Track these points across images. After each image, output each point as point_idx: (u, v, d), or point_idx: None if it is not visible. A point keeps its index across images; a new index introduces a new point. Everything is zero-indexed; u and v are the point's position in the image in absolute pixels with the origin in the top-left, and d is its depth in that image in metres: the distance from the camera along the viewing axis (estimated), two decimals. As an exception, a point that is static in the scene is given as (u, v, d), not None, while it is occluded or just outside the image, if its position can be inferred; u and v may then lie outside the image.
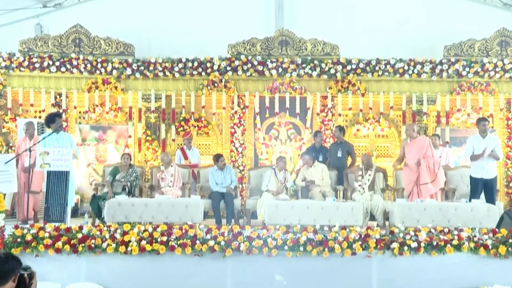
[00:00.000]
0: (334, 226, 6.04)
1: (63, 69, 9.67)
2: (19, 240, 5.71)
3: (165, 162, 8.58)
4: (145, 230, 5.81)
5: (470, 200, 7.53)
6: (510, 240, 5.81)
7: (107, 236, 5.75)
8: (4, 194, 6.80)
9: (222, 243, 5.70)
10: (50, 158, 6.94)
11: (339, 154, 9.05)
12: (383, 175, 8.63)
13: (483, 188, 7.72)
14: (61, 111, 9.52)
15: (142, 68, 9.74)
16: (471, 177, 7.84)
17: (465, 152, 8.09)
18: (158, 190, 8.39)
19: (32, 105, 9.80)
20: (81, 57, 9.68)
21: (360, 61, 9.77)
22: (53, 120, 7.61)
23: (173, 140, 10.02)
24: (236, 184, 8.77)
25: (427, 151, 7.89)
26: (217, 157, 8.72)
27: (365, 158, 8.63)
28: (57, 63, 9.66)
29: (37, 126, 9.09)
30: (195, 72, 9.80)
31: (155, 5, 10.46)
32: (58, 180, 6.99)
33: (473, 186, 7.83)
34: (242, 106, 10.03)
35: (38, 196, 8.14)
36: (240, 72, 9.77)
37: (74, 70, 9.69)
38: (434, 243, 5.72)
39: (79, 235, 5.75)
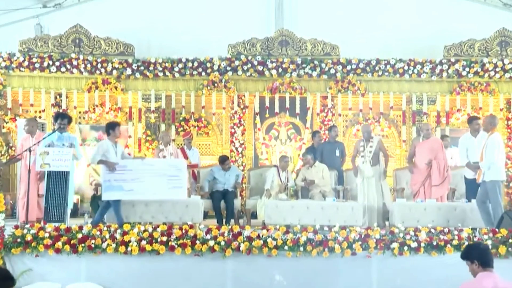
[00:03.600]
0: (334, 226, 6.05)
1: (63, 69, 9.66)
2: (19, 240, 5.72)
3: (164, 141, 8.58)
4: (145, 230, 5.82)
5: (469, 201, 7.50)
6: (510, 240, 5.82)
7: (107, 236, 5.76)
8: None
9: (222, 243, 5.71)
10: (50, 158, 6.94)
11: (337, 153, 9.01)
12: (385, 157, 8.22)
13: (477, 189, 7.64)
14: (61, 110, 9.51)
15: (142, 68, 9.74)
16: (465, 178, 7.78)
17: (460, 156, 7.85)
18: None
19: (32, 105, 9.79)
20: (81, 57, 9.68)
21: (360, 61, 9.76)
22: (55, 119, 7.62)
23: (173, 140, 10.01)
24: (241, 177, 8.81)
25: (438, 152, 7.83)
26: (223, 160, 8.61)
27: (364, 128, 8.32)
28: (57, 63, 9.65)
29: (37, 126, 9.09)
30: (195, 72, 9.80)
31: (155, 5, 10.46)
32: (58, 180, 6.98)
33: (467, 188, 7.77)
34: (242, 106, 10.04)
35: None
36: (240, 72, 9.77)
37: (74, 70, 9.69)
38: (434, 243, 5.73)
39: (79, 235, 5.76)
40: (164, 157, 8.46)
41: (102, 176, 7.22)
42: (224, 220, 8.13)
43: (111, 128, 7.36)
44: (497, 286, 3.92)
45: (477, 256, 4.21)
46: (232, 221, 8.12)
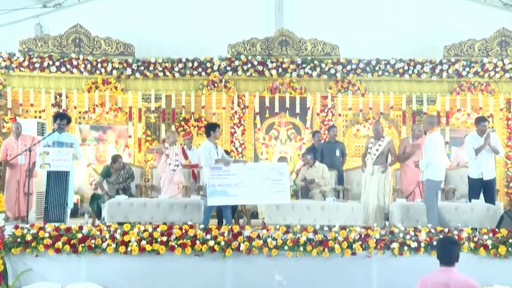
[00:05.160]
0: (334, 226, 6.05)
1: (63, 69, 9.67)
2: (19, 240, 5.73)
3: (170, 140, 8.50)
4: (145, 230, 5.83)
5: (470, 201, 7.50)
6: (510, 240, 5.83)
7: (107, 236, 5.76)
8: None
9: (222, 243, 5.71)
10: (50, 158, 6.94)
11: (337, 153, 9.00)
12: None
13: (482, 189, 7.64)
14: (61, 110, 9.51)
15: (142, 68, 9.74)
16: (469, 178, 7.76)
17: (467, 152, 7.91)
18: (163, 167, 8.36)
19: (32, 105, 9.79)
20: (81, 57, 9.68)
21: (360, 61, 9.77)
22: (54, 120, 7.64)
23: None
24: None
25: None
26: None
27: (374, 126, 8.16)
28: (57, 63, 9.65)
29: (37, 126, 9.09)
30: (195, 72, 9.80)
31: (155, 5, 10.45)
32: (58, 180, 6.98)
33: (471, 187, 7.74)
34: (242, 106, 10.04)
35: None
36: (240, 72, 9.77)
37: (74, 70, 9.69)
38: (434, 243, 5.73)
39: (79, 235, 5.77)
40: (167, 155, 8.45)
41: (206, 181, 7.12)
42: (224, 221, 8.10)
43: (211, 129, 7.31)
44: (450, 280, 3.93)
45: (437, 250, 4.21)
46: (232, 221, 8.10)
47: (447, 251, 4.08)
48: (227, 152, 8.68)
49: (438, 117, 9.97)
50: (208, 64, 9.78)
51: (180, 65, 9.76)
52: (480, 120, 7.72)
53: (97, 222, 7.71)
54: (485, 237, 5.87)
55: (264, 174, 7.19)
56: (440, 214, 6.78)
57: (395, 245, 5.73)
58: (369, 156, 7.97)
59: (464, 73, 9.73)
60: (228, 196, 7.02)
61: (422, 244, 5.73)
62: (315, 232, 5.87)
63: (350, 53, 9.80)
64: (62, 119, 7.56)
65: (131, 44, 9.90)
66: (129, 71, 9.73)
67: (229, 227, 5.99)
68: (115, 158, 8.45)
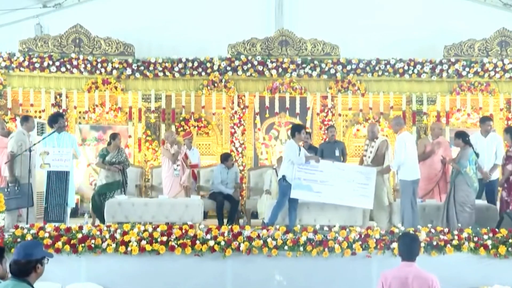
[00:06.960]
0: (334, 226, 6.06)
1: (63, 69, 9.66)
2: (19, 240, 5.73)
3: (169, 140, 8.45)
4: (145, 230, 5.84)
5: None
6: (510, 240, 5.84)
7: (107, 236, 5.77)
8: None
9: (222, 243, 5.72)
10: (50, 158, 6.95)
11: (337, 153, 8.94)
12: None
13: (484, 190, 7.63)
14: (61, 111, 9.52)
15: (142, 68, 9.74)
16: None
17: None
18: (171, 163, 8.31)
19: (32, 105, 9.79)
20: (81, 57, 9.68)
21: (360, 61, 9.76)
22: (56, 120, 7.64)
23: (174, 140, 10.01)
24: (238, 179, 8.81)
25: (446, 151, 7.87)
26: (227, 157, 8.60)
27: (369, 127, 7.98)
28: (57, 63, 9.64)
29: (37, 126, 9.10)
30: (195, 72, 9.79)
31: (155, 5, 10.45)
32: (58, 180, 7.00)
33: None
34: (242, 106, 10.04)
35: None
36: (240, 72, 9.77)
37: (74, 70, 9.69)
38: (434, 243, 5.74)
39: (79, 235, 5.78)
40: (173, 155, 8.42)
41: (293, 173, 7.04)
42: (225, 221, 8.11)
43: (297, 130, 7.27)
44: (409, 273, 4.02)
45: (399, 246, 4.31)
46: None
47: (408, 247, 4.19)
48: (228, 154, 8.72)
49: (438, 117, 9.97)
50: (208, 64, 9.78)
51: (180, 65, 9.75)
52: (485, 119, 7.74)
53: (97, 222, 7.69)
54: (485, 237, 5.88)
55: (351, 176, 7.18)
56: (415, 216, 6.75)
57: (395, 245, 5.73)
58: (365, 158, 7.79)
59: (464, 73, 9.72)
60: (312, 192, 6.99)
61: (422, 244, 5.73)
62: (315, 232, 5.88)
63: (350, 53, 9.80)
64: (63, 117, 7.63)
65: (131, 44, 9.89)
66: (129, 71, 9.73)
67: (229, 227, 6.00)
68: (114, 135, 8.28)
